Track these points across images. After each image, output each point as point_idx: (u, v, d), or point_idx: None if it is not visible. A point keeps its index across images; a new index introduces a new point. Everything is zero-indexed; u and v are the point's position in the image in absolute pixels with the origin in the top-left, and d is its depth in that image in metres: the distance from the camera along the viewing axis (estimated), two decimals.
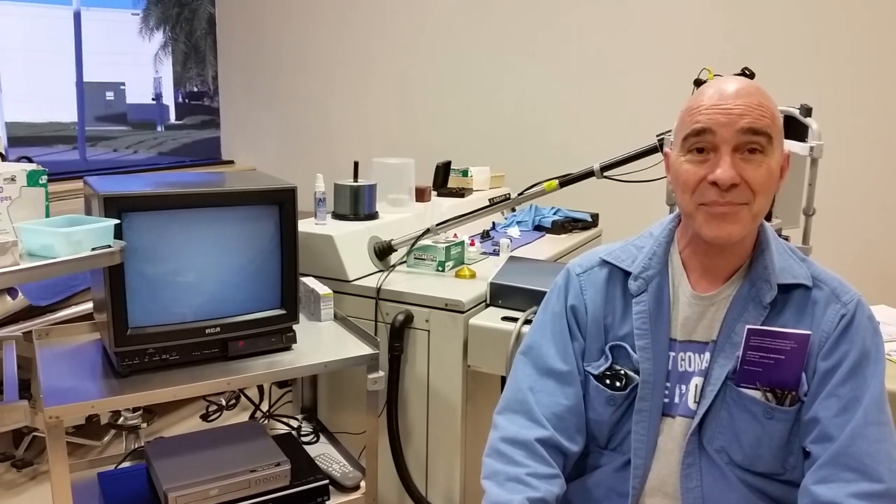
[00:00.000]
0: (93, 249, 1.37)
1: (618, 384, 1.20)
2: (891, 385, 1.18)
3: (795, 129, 1.77)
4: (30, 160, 1.62)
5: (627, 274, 1.23)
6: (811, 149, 1.71)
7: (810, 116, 1.76)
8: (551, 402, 1.21)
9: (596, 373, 1.22)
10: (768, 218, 1.75)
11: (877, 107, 2.90)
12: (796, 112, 1.77)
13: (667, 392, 1.18)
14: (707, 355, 1.17)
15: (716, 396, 1.14)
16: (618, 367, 1.21)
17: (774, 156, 1.10)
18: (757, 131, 1.07)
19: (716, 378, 1.15)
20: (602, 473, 1.23)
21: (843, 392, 1.09)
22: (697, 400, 1.16)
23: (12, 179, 1.46)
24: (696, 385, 1.17)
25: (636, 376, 1.19)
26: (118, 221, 1.44)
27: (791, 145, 1.73)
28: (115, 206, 1.46)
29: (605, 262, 1.27)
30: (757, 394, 1.13)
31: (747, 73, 1.70)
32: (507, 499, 1.12)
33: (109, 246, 1.40)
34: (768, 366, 1.12)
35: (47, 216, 1.53)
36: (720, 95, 1.09)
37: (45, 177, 1.52)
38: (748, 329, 1.13)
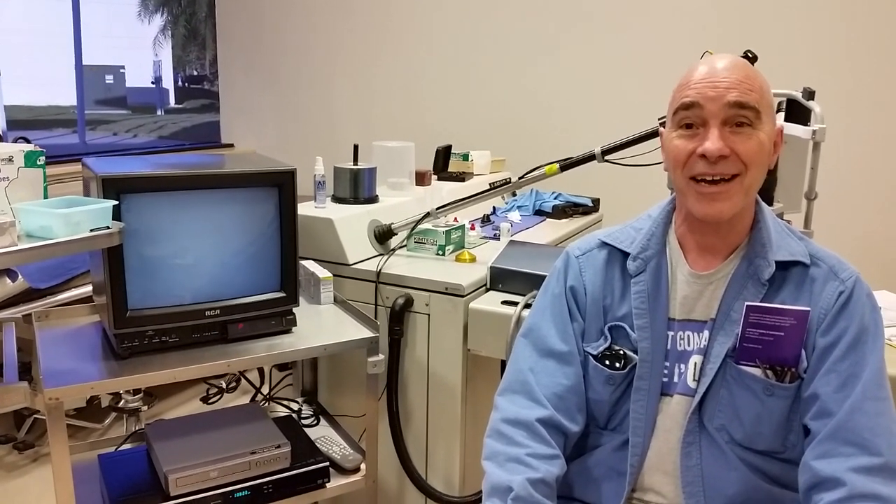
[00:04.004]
0: (91, 231, 1.36)
1: (617, 364, 1.21)
2: (891, 370, 1.17)
3: (798, 112, 1.75)
4: (27, 141, 1.61)
5: (626, 255, 1.24)
6: (813, 132, 1.70)
7: (813, 100, 1.74)
8: (551, 383, 1.21)
9: (595, 353, 1.23)
10: (770, 202, 1.74)
11: (881, 90, 2.88)
12: (798, 95, 1.76)
13: (665, 371, 1.19)
14: (706, 334, 1.17)
15: (715, 374, 1.15)
16: (617, 348, 1.22)
17: (764, 129, 1.10)
18: (744, 105, 1.08)
19: (715, 356, 1.15)
20: (602, 453, 1.23)
21: (842, 368, 1.09)
22: (697, 378, 1.17)
23: (10, 160, 1.45)
24: (695, 363, 1.17)
25: (635, 356, 1.19)
26: (116, 203, 1.43)
27: (793, 129, 1.72)
28: (113, 188, 1.45)
29: (603, 244, 1.27)
30: (757, 371, 1.14)
31: (749, 56, 1.69)
32: (507, 479, 1.12)
33: (108, 227, 1.39)
34: (768, 343, 1.13)
35: (46, 197, 1.52)
36: (708, 70, 1.11)
37: (43, 158, 1.51)
38: (747, 306, 1.13)
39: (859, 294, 1.13)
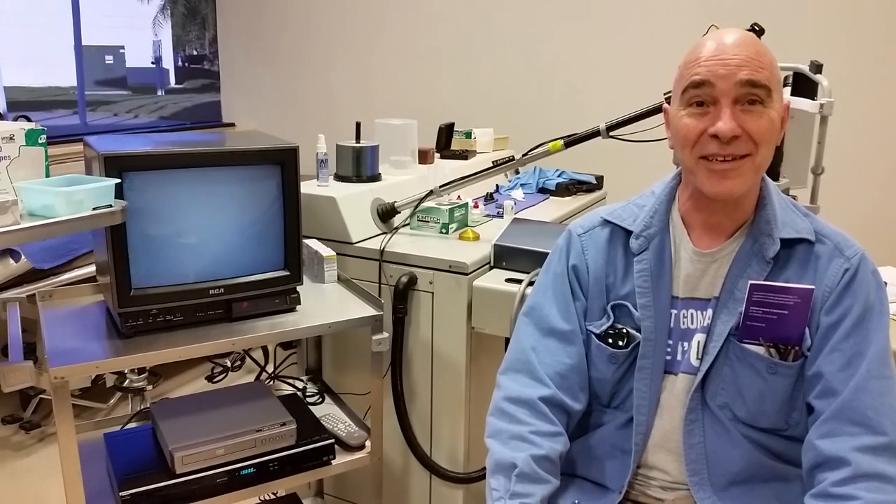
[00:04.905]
0: (94, 209, 1.36)
1: (620, 343, 1.20)
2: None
3: (805, 86, 1.74)
4: (28, 119, 1.60)
5: (629, 233, 1.22)
6: (821, 106, 1.68)
7: (820, 73, 1.72)
8: (554, 362, 1.21)
9: (598, 332, 1.22)
10: (776, 177, 1.73)
11: (888, 64, 2.85)
12: (806, 69, 1.73)
13: (669, 349, 1.18)
14: (709, 312, 1.16)
15: (719, 352, 1.15)
16: (620, 326, 1.21)
17: (774, 106, 1.09)
18: (756, 83, 1.06)
19: (718, 334, 1.15)
20: (605, 431, 1.24)
21: (846, 346, 1.09)
22: (700, 356, 1.16)
23: (11, 138, 1.44)
24: (699, 341, 1.17)
25: (638, 334, 1.19)
26: (119, 181, 1.43)
27: (800, 103, 1.70)
28: (115, 166, 1.45)
29: (606, 222, 1.26)
30: (760, 349, 1.13)
31: (756, 29, 1.66)
32: (510, 456, 1.13)
33: (111, 206, 1.39)
34: (771, 321, 1.12)
35: (47, 176, 1.51)
36: (718, 47, 1.08)
37: (45, 136, 1.49)
38: (751, 284, 1.12)
39: (864, 272, 1.12)
